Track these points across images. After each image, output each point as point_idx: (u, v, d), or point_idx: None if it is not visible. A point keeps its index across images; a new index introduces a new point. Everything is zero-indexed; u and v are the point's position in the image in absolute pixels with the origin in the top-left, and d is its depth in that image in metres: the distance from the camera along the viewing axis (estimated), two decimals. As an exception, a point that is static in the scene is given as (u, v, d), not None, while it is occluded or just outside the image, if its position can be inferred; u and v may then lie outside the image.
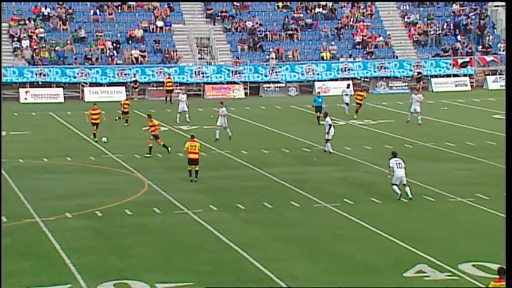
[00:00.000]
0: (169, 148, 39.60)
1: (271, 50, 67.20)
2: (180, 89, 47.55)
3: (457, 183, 33.56)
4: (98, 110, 44.07)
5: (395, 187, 30.53)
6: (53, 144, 43.54)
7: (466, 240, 26.02)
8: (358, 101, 52.06)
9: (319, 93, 50.99)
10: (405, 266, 23.27)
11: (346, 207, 29.94)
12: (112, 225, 27.91)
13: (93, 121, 43.75)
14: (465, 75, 67.36)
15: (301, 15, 71.49)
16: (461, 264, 23.40)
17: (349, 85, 58.44)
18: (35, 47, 64.54)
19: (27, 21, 66.34)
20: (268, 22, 70.64)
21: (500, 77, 67.62)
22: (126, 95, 60.37)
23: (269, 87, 65.15)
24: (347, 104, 53.18)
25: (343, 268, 23.39)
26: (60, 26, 67.19)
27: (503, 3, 73.79)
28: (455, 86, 66.55)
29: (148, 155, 39.02)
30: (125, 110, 49.46)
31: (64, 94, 61.55)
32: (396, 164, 30.63)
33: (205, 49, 68.20)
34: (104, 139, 29.97)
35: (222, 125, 43.67)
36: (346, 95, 53.85)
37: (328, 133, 39.20)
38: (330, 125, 38.88)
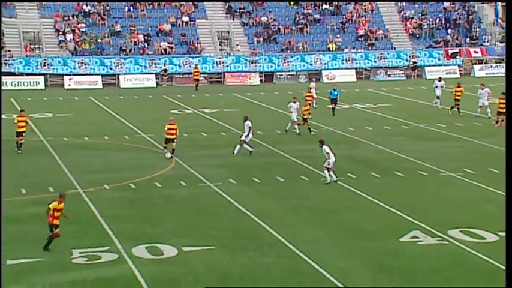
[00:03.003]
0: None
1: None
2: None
3: (447, 160, 33.48)
4: (25, 118, 35.76)
5: (326, 172, 29.35)
6: (93, 125, 43.67)
7: (455, 210, 25.98)
8: (456, 97, 46.04)
9: (335, 85, 48.35)
10: (401, 232, 23.28)
11: (349, 181, 29.93)
12: (144, 196, 28.01)
13: (18, 130, 35.13)
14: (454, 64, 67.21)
15: (310, 11, 71.36)
16: (450, 230, 23.39)
17: (440, 78, 50.55)
18: (77, 39, 64.75)
19: (70, 17, 66.55)
20: (280, 17, 70.51)
21: (485, 66, 67.40)
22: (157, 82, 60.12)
23: (281, 75, 65.13)
24: (438, 97, 48.50)
25: (346, 234, 23.40)
26: (99, 21, 67.34)
27: (488, 1, 73.51)
28: (446, 73, 66.15)
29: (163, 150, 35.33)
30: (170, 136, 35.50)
31: (102, 81, 61.74)
32: (330, 150, 29.36)
33: (226, 41, 68.18)
34: (168, 154, 28.16)
35: (294, 119, 40.01)
36: (436, 87, 49.00)
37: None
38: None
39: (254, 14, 70.39)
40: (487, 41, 69.82)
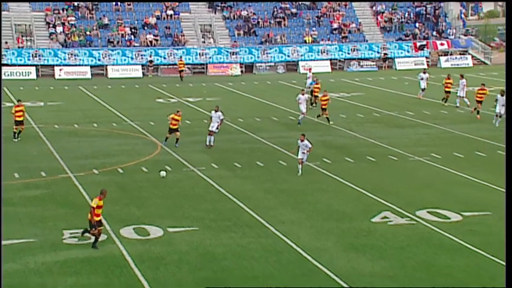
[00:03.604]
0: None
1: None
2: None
3: (415, 145, 33.63)
4: (22, 107, 35.35)
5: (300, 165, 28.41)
6: (82, 113, 43.45)
7: (422, 192, 26.14)
8: (446, 89, 45.20)
9: (315, 77, 47.44)
10: (373, 213, 23.41)
11: (324, 165, 30.02)
12: (131, 180, 27.95)
13: (16, 119, 34.69)
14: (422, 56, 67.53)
15: (288, 5, 71.24)
16: (418, 211, 23.54)
17: (425, 70, 50.19)
18: (67, 32, 64.30)
19: (60, 11, 66.06)
20: (260, 11, 70.36)
21: (450, 57, 67.71)
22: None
23: (261, 66, 65.07)
24: (423, 89, 47.74)
25: (322, 215, 23.48)
26: (87, 14, 66.90)
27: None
28: (415, 64, 66.52)
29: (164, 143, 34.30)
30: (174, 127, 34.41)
31: (91, 71, 61.45)
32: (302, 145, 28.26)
33: (208, 34, 67.98)
34: (163, 173, 26.47)
35: (303, 110, 39.05)
36: (422, 79, 47.95)
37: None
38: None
39: (235, 8, 70.19)
40: (452, 34, 70.20)
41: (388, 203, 24.38)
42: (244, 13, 69.56)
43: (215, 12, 69.53)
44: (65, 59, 61.59)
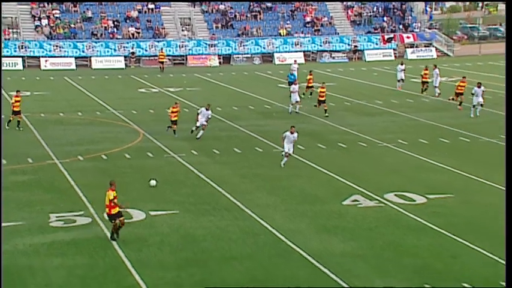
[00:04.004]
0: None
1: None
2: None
3: (383, 132, 33.77)
4: (20, 98, 34.89)
5: (286, 159, 27.37)
6: (67, 102, 43.14)
7: (390, 176, 26.27)
8: (424, 79, 45.13)
9: (293, 70, 47.36)
10: (343, 196, 23.50)
11: (298, 151, 30.02)
12: (114, 166, 27.81)
13: (14, 109, 34.34)
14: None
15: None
16: (386, 194, 23.67)
17: (402, 62, 49.17)
18: (52, 25, 63.69)
19: (45, 4, 65.38)
20: (237, 5, 70.12)
21: (416, 49, 68.05)
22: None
23: (238, 57, 64.97)
24: (401, 80, 47.16)
25: (296, 199, 23.54)
26: (71, 8, 66.29)
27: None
28: (383, 56, 66.78)
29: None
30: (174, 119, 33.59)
31: (76, 63, 61.01)
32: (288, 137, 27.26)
33: (187, 27, 67.68)
34: (153, 182, 24.61)
35: (294, 100, 38.77)
36: (400, 71, 47.28)
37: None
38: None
39: (213, 2, 69.90)
40: (417, 28, 70.54)
41: (358, 187, 24.48)
42: (221, 7, 69.32)
43: (194, 6, 69.21)
44: (50, 51, 61.08)
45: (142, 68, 61.34)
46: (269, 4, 70.84)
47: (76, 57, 61.41)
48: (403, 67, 47.50)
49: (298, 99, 38.77)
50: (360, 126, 35.10)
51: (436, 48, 68.87)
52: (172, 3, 69.10)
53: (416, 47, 68.65)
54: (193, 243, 19.44)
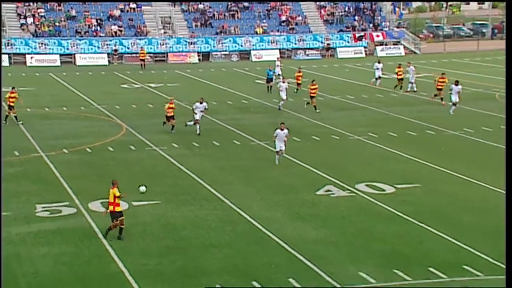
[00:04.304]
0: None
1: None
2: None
3: (354, 126, 33.88)
4: (15, 94, 34.64)
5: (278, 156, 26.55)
6: (52, 98, 42.78)
7: (361, 167, 26.40)
8: (398, 76, 44.43)
9: (270, 66, 46.91)
10: (317, 186, 23.58)
11: (274, 144, 30.05)
12: (98, 159, 27.67)
13: (10, 104, 34.08)
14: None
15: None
16: (358, 184, 23.78)
17: (380, 60, 48.70)
18: (37, 23, 63.07)
19: (30, 3, 64.72)
20: (215, 5, 69.90)
21: (385, 47, 68.35)
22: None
23: (217, 54, 64.80)
24: (379, 77, 46.43)
25: (271, 189, 23.57)
26: (56, 7, 65.70)
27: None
28: (354, 53, 66.99)
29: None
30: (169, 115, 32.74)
31: (60, 59, 60.48)
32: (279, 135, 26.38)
33: (168, 25, 67.37)
34: (143, 188, 23.15)
35: (283, 97, 38.00)
36: (377, 69, 46.59)
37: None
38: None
39: (192, 1, 69.64)
40: (386, 27, 70.88)
41: (330, 178, 24.58)
42: (201, 6, 69.13)
43: (174, 6, 68.94)
44: (35, 48, 60.51)
45: (125, 64, 60.98)
46: (246, 4, 70.76)
47: (61, 54, 60.85)
48: (380, 65, 47.09)
49: (285, 97, 38.06)
50: (333, 120, 35.21)
51: (404, 46, 69.21)
52: (153, 2, 68.71)
53: (386, 45, 68.95)
54: (174, 231, 19.42)
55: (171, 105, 32.35)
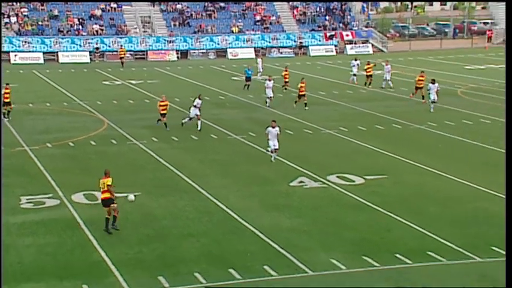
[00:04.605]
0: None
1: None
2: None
3: (326, 120, 33.96)
4: (9, 90, 34.14)
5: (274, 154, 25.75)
6: (36, 94, 42.29)
7: (332, 159, 26.48)
8: (367, 73, 44.51)
9: (249, 65, 46.32)
10: (291, 178, 23.62)
11: (250, 138, 30.11)
12: (81, 152, 27.44)
13: (5, 100, 33.59)
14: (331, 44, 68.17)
15: (217, 0, 70.74)
16: (329, 176, 23.85)
17: (356, 58, 48.34)
18: (20, 22, 62.28)
19: (14, 3, 63.90)
20: (193, 5, 69.60)
21: (355, 46, 68.59)
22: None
23: (194, 52, 64.53)
24: (355, 75, 46.01)
25: (247, 180, 23.57)
26: (39, 6, 64.90)
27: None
28: (325, 51, 67.13)
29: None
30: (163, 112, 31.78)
31: (43, 57, 59.85)
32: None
33: (148, 24, 66.94)
34: (131, 197, 19.99)
35: (269, 95, 37.47)
36: (354, 66, 46.20)
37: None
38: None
39: (171, 2, 69.34)
40: (356, 26, 71.14)
41: (303, 170, 24.63)
42: (179, 6, 68.79)
43: (154, 6, 68.53)
44: (19, 46, 59.81)
45: (106, 62, 60.49)
46: (222, 4, 70.58)
47: (44, 52, 60.22)
48: (356, 62, 46.58)
49: (271, 94, 37.48)
50: (305, 115, 35.26)
51: (372, 45, 69.53)
52: (133, 2, 68.24)
53: (355, 43, 69.19)
54: (154, 221, 19.33)
55: (163, 103, 31.38)
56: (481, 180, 22.96)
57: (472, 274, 15.89)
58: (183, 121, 31.67)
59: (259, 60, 50.54)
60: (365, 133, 31.08)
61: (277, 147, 25.47)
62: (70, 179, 23.52)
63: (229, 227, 18.98)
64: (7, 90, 33.91)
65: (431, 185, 23.02)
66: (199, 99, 31.68)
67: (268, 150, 25.76)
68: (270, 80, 38.14)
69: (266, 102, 37.71)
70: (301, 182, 23.28)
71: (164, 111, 31.26)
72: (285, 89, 42.94)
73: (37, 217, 19.63)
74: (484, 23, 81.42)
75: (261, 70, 48.36)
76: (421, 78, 39.05)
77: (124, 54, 59.14)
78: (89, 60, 60.50)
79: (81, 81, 48.25)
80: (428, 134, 31.08)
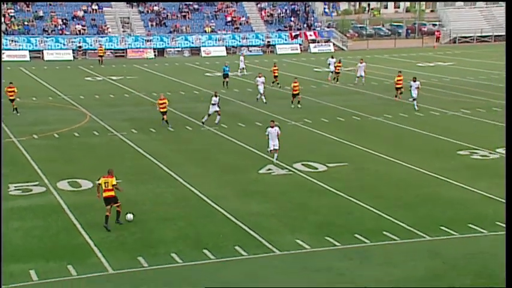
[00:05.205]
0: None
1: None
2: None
3: (291, 113, 33.97)
4: (13, 88, 33.53)
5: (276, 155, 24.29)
6: (22, 89, 41.37)
7: (297, 149, 26.49)
8: (336, 71, 44.38)
9: (226, 62, 45.72)
10: (259, 166, 23.61)
11: (222, 129, 30.02)
12: (65, 143, 27.09)
13: (10, 98, 33.17)
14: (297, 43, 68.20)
15: (191, 2, 70.25)
16: (295, 164, 23.90)
17: (333, 56, 47.79)
18: (7, 22, 61.12)
19: (1, 4, 62.65)
20: (168, 7, 69.05)
21: (318, 44, 68.73)
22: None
23: (170, 50, 64.09)
24: (332, 72, 45.07)
25: (220, 169, 23.50)
26: (25, 8, 63.75)
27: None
28: (291, 50, 67.17)
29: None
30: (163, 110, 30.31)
31: (30, 55, 58.86)
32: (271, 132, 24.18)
33: (127, 25, 66.22)
34: (130, 216, 18.24)
35: (260, 91, 36.32)
36: (330, 64, 45.25)
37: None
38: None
39: (148, 4, 68.68)
40: (318, 27, 71.32)
41: (271, 158, 24.61)
42: (156, 8, 68.21)
43: (132, 7, 67.88)
44: (6, 45, 58.76)
45: (88, 59, 59.73)
46: (196, 6, 70.18)
47: (30, 51, 59.28)
48: (333, 60, 45.72)
49: (262, 91, 36.57)
50: (273, 108, 35.23)
51: (333, 44, 69.78)
52: (113, 3, 67.50)
53: (318, 42, 69.34)
54: (134, 206, 19.16)
55: (160, 101, 29.75)
56: (430, 166, 23.25)
57: (422, 251, 16.10)
58: (203, 120, 30.22)
59: (241, 57, 50.25)
60: (327, 125, 31.21)
61: (277, 147, 23.73)
62: (55, 167, 23.21)
63: (204, 212, 18.92)
64: (10, 89, 33.35)
65: (387, 171, 23.23)
66: (216, 96, 30.22)
67: (268, 151, 24.07)
68: (260, 77, 37.13)
69: (257, 99, 36.38)
70: (269, 169, 23.28)
71: (164, 109, 29.63)
72: (277, 83, 42.56)
73: (25, 203, 19.34)
74: (433, 24, 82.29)
75: (243, 67, 48.20)
76: (399, 78, 36.91)
77: (103, 52, 58.35)
78: (72, 58, 59.69)
79: (65, 78, 47.58)
80: (385, 125, 31.33)
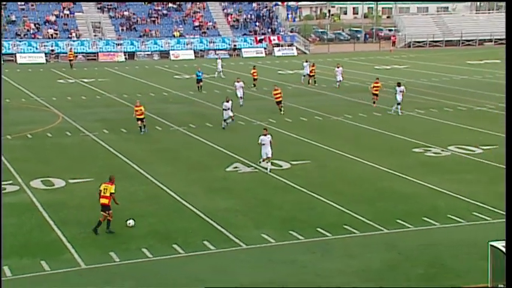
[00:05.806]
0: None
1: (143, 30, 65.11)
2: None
3: (257, 113, 33.89)
4: None
5: (269, 164, 22.65)
6: (-4, 91, 40.68)
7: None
8: (311, 73, 44.25)
9: (199, 67, 44.76)
10: (226, 164, 23.58)
11: (191, 129, 29.90)
12: (38, 143, 26.63)
13: None
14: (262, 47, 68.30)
15: (160, 8, 69.77)
16: (253, 162, 23.69)
17: (307, 60, 47.04)
18: (-20, 26, 59.78)
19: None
20: (138, 12, 68.46)
21: (281, 48, 68.95)
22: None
23: (140, 54, 63.57)
24: (305, 75, 44.89)
25: (188, 166, 23.41)
26: (-3, 12, 62.44)
27: (281, 3, 75.27)
28: (256, 53, 67.26)
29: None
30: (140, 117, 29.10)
31: (2, 58, 57.63)
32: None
33: (98, 29, 65.41)
34: (131, 222, 17.60)
35: (239, 94, 35.58)
36: (305, 67, 44.97)
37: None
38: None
39: (119, 9, 67.97)
40: (282, 31, 71.60)
41: (238, 157, 24.62)
42: (126, 13, 67.56)
43: (103, 12, 67.08)
44: (-20, 48, 57.36)
45: (61, 62, 58.80)
46: (165, 11, 69.74)
47: (3, 54, 58.02)
48: (307, 64, 45.39)
49: (240, 94, 35.64)
50: (239, 109, 35.12)
51: (296, 48, 70.12)
52: (84, 8, 66.60)
53: (282, 46, 69.61)
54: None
55: (137, 108, 28.53)
56: (387, 163, 23.54)
57: (380, 243, 16.31)
58: (223, 126, 29.54)
59: (218, 61, 50.02)
60: (291, 124, 31.33)
61: (269, 155, 22.23)
62: (28, 167, 22.79)
63: (174, 208, 18.82)
64: None
65: (347, 168, 23.44)
66: (227, 101, 29.34)
67: (260, 161, 22.60)
68: (238, 82, 36.30)
69: (240, 105, 34.97)
70: (235, 167, 23.27)
71: (141, 116, 28.46)
72: (254, 85, 42.35)
73: (-2, 202, 18.90)
74: (389, 29, 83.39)
75: (220, 70, 48.01)
76: (376, 85, 35.59)
77: (73, 57, 57.14)
78: (44, 61, 58.74)
79: (38, 80, 46.76)
80: (345, 124, 31.61)
